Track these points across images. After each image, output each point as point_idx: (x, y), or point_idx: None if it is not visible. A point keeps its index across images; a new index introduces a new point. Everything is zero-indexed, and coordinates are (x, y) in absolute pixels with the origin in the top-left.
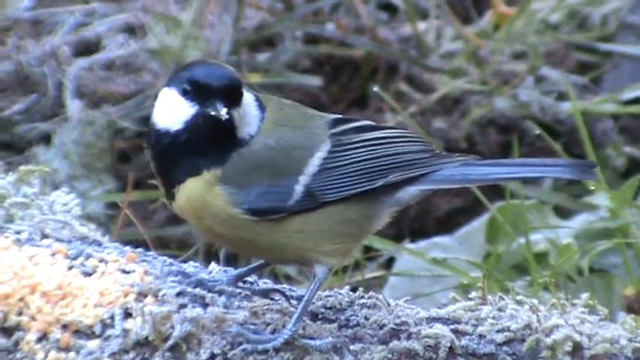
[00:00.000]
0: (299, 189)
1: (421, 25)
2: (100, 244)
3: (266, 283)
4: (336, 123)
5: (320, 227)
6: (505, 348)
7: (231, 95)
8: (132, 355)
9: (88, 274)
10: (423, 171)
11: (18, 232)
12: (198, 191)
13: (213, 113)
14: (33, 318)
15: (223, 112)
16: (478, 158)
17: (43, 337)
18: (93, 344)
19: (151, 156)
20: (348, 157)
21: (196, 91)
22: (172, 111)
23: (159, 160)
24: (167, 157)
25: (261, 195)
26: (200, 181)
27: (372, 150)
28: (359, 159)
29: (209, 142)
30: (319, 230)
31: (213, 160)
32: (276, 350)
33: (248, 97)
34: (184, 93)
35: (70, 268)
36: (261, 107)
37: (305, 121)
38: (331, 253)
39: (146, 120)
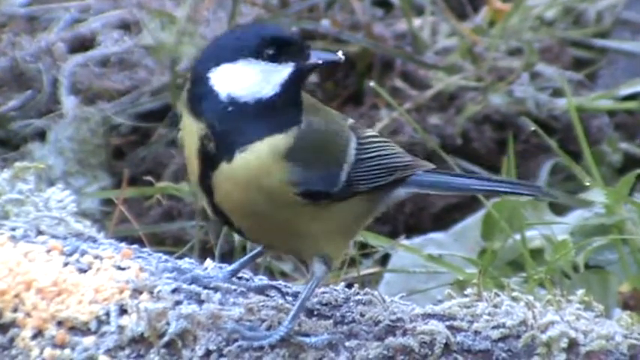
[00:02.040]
0: (343, 176)
1: (416, 22)
2: (95, 241)
3: (261, 280)
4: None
5: (347, 216)
6: (500, 344)
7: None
8: (127, 351)
9: (83, 271)
10: (420, 170)
11: (13, 229)
12: (263, 161)
13: (320, 62)
14: (28, 315)
15: (339, 53)
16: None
17: (38, 333)
18: (88, 341)
19: (201, 135)
20: (370, 150)
21: (284, 51)
22: (259, 79)
23: (220, 133)
24: (234, 127)
25: (318, 178)
26: (265, 151)
27: (382, 147)
28: (377, 154)
29: (283, 104)
30: (345, 219)
31: (279, 126)
32: (272, 347)
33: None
34: (270, 57)
35: (66, 264)
36: None
37: (329, 111)
38: (338, 248)
39: (141, 116)
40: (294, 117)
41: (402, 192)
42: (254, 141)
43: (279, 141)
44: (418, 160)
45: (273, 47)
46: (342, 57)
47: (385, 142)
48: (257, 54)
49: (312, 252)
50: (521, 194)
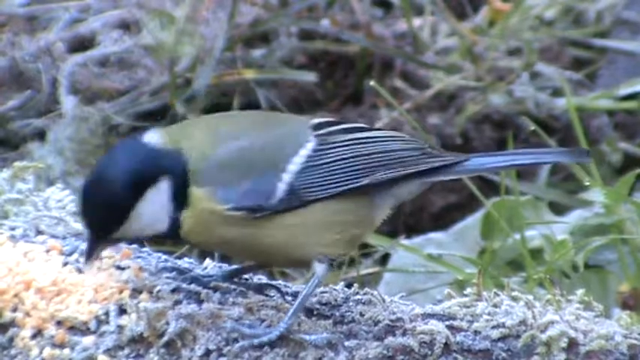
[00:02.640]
0: (282, 187)
1: (416, 22)
2: None
3: (261, 279)
4: (324, 125)
5: (316, 219)
6: (500, 344)
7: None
8: (127, 351)
9: (82, 271)
10: (415, 169)
11: (12, 229)
12: (193, 208)
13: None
14: (28, 314)
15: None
16: (469, 155)
17: (37, 333)
18: (88, 340)
19: None
20: (332, 155)
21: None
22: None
23: None
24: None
25: (245, 193)
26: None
27: (358, 149)
28: (343, 157)
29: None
30: (316, 222)
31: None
32: (272, 346)
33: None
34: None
35: (65, 264)
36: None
37: (283, 122)
38: (334, 243)
39: (141, 116)
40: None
41: (410, 185)
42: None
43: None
44: (435, 154)
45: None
46: None
47: (368, 143)
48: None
49: (307, 257)
50: (549, 162)
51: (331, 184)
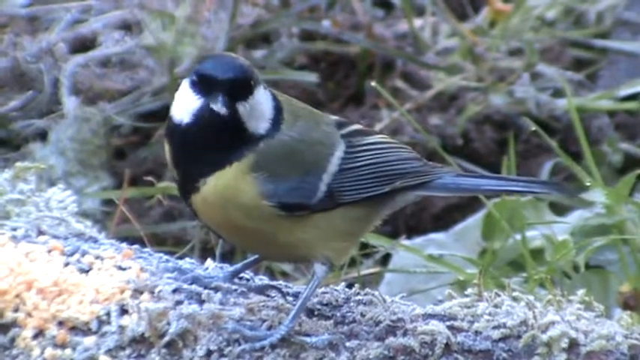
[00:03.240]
0: (322, 187)
1: (417, 22)
2: (96, 241)
3: (262, 280)
4: (340, 125)
5: (335, 224)
6: (501, 344)
7: (237, 89)
8: (128, 351)
9: (84, 271)
10: (424, 179)
11: (14, 229)
12: (230, 180)
13: (214, 107)
14: (29, 314)
15: (222, 109)
16: (459, 172)
17: (39, 333)
18: (89, 341)
19: (169, 149)
20: (361, 159)
21: (202, 83)
22: (183, 103)
23: (178, 154)
24: (187, 151)
25: (291, 190)
26: (229, 172)
27: (379, 154)
28: (371, 162)
29: (217, 135)
30: (334, 227)
31: (232, 154)
32: (273, 347)
33: (261, 92)
34: (193, 85)
35: (67, 264)
36: (277, 102)
37: (317, 119)
38: (339, 249)
39: (142, 116)
40: (236, 138)
41: (411, 195)
42: (216, 168)
43: (242, 161)
44: (432, 166)
45: (197, 77)
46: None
47: (386, 149)
48: (190, 81)
49: (310, 257)
50: (539, 193)
51: (361, 188)
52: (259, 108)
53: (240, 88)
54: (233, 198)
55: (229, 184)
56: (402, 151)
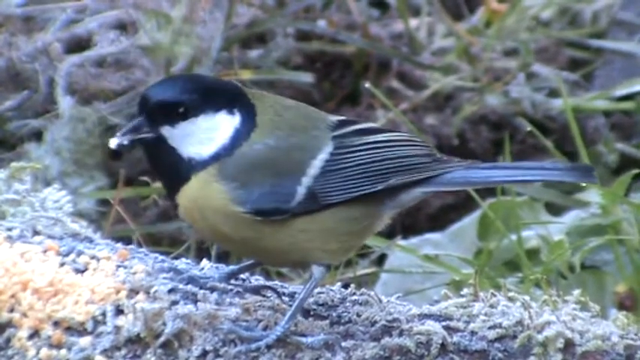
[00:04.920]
0: (301, 190)
1: (413, 22)
2: (91, 241)
3: (258, 280)
4: (339, 125)
5: (325, 226)
6: (497, 345)
7: (160, 113)
8: (124, 351)
9: (79, 271)
10: (425, 175)
11: (9, 229)
12: (197, 191)
13: (130, 136)
14: (25, 315)
15: (116, 140)
16: (476, 163)
17: (34, 334)
18: (85, 341)
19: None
20: (350, 159)
21: (139, 103)
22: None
23: (150, 167)
24: (154, 167)
25: (264, 195)
26: (195, 182)
27: (374, 153)
28: (361, 162)
29: (154, 155)
30: (325, 229)
31: (188, 169)
32: (268, 347)
33: (207, 118)
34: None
35: (62, 264)
36: (248, 118)
37: (307, 122)
38: (335, 251)
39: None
40: (171, 160)
41: (416, 192)
42: (181, 181)
43: (206, 171)
44: (444, 161)
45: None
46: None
47: (383, 148)
48: None
49: (306, 260)
50: (554, 180)
51: (348, 188)
52: (200, 134)
53: (164, 112)
54: (207, 206)
55: (198, 194)
56: (406, 147)
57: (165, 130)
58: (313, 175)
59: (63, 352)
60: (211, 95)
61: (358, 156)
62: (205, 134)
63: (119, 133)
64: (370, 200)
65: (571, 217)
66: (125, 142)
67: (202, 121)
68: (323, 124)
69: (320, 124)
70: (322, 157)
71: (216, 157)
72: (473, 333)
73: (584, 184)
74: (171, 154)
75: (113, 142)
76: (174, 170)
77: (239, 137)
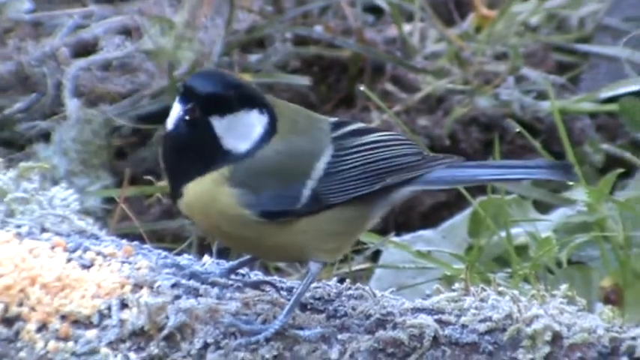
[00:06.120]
0: (306, 193)
1: (406, 27)
2: (97, 238)
3: (257, 275)
4: (336, 126)
5: (323, 227)
6: (487, 337)
7: (213, 103)
8: (128, 344)
9: (86, 267)
10: (416, 174)
11: (18, 226)
12: (207, 188)
13: (186, 116)
14: (33, 309)
15: (192, 118)
16: (463, 159)
17: (42, 327)
18: (91, 334)
19: (161, 154)
20: (349, 161)
21: (184, 94)
22: (172, 112)
23: (165, 158)
24: (171, 157)
25: (273, 199)
26: (208, 179)
27: (370, 154)
28: (360, 163)
29: (191, 144)
30: (323, 229)
31: (209, 165)
32: (267, 340)
33: (248, 114)
34: (179, 95)
35: (69, 260)
36: (273, 123)
37: (311, 126)
38: (331, 250)
39: (142, 118)
40: (211, 151)
41: (406, 191)
42: (194, 175)
43: (220, 172)
44: (431, 159)
45: (182, 88)
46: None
47: (377, 148)
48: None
49: (303, 258)
50: (538, 178)
51: (349, 189)
52: (240, 128)
53: (216, 103)
54: (212, 206)
55: (205, 192)
56: (398, 147)
57: (216, 121)
58: (317, 177)
59: (70, 344)
60: (248, 93)
61: (356, 157)
62: (244, 129)
63: (176, 116)
64: (365, 200)
65: (558, 215)
66: (183, 119)
67: (245, 117)
68: (324, 126)
69: (321, 126)
70: (325, 159)
71: (244, 155)
72: (464, 326)
73: (570, 183)
74: (212, 143)
75: (170, 122)
76: (205, 160)
77: (263, 139)
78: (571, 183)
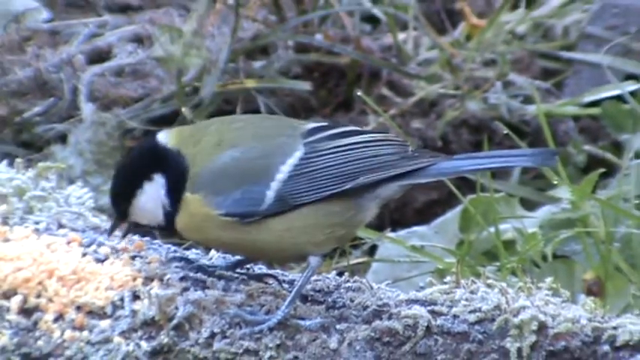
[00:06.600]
0: (270, 194)
1: (401, 36)
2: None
3: (261, 269)
4: (312, 131)
5: (307, 222)
6: (477, 327)
7: (117, 204)
8: (140, 333)
9: (100, 261)
10: (393, 172)
11: (37, 223)
12: (185, 209)
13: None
14: (50, 300)
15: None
16: (449, 157)
17: (59, 317)
18: (104, 324)
19: None
20: (319, 163)
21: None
22: None
23: None
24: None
25: (237, 201)
26: (182, 211)
27: (342, 155)
28: (329, 164)
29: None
30: (307, 225)
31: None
32: (270, 329)
33: (146, 189)
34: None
35: (84, 255)
36: (174, 167)
37: (277, 132)
38: (324, 242)
39: (153, 121)
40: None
41: (392, 186)
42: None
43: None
44: (417, 156)
45: None
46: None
47: (353, 150)
48: None
49: (302, 254)
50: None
51: (316, 189)
52: (146, 204)
53: (118, 202)
54: (194, 216)
55: (185, 210)
56: (376, 148)
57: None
58: (282, 179)
59: (85, 333)
60: (130, 177)
61: (326, 159)
62: (149, 207)
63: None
64: (347, 196)
65: (544, 212)
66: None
67: (140, 201)
68: (296, 132)
69: (290, 132)
70: (291, 162)
71: (170, 213)
72: (455, 316)
73: (555, 182)
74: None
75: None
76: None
77: (175, 188)
78: (555, 180)
